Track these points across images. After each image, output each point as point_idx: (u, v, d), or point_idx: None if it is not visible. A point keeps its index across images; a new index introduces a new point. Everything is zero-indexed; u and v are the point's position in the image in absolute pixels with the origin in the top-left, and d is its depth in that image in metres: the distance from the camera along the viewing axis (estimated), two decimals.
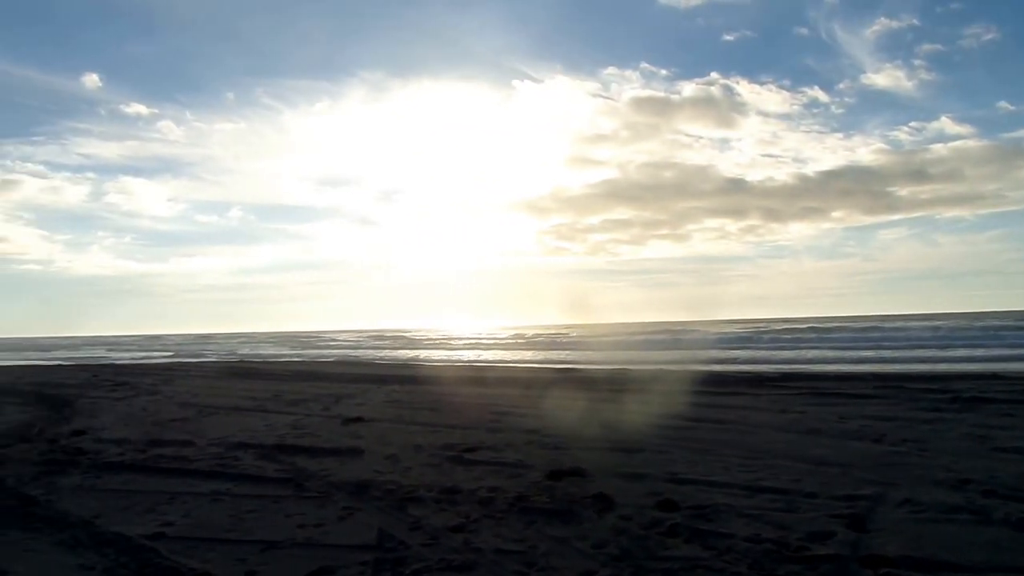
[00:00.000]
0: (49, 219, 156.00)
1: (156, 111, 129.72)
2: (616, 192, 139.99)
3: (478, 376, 20.02)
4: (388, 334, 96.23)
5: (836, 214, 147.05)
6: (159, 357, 48.77)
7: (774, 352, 33.97)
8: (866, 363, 24.94)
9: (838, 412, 10.45)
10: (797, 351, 34.14)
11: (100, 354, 57.78)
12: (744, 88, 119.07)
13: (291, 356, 45.06)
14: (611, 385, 15.41)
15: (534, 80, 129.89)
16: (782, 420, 9.83)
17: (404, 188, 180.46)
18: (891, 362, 24.84)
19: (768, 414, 10.46)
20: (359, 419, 10.73)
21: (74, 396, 15.54)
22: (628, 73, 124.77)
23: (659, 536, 4.84)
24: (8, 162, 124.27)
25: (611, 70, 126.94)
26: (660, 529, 4.95)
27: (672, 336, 55.05)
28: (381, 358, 39.81)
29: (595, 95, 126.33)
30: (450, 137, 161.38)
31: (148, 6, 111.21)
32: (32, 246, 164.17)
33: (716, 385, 14.89)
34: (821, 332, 50.53)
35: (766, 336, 49.95)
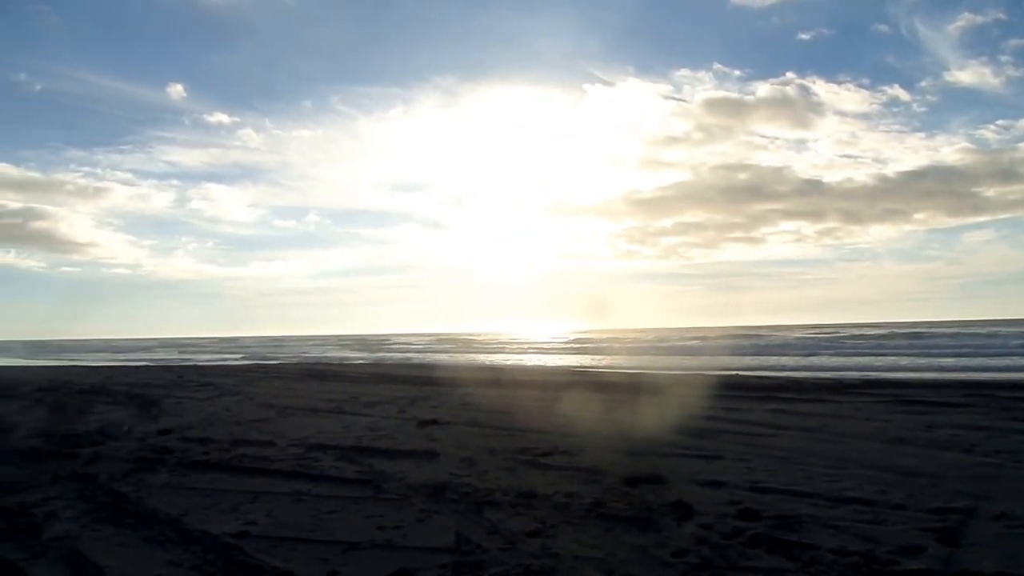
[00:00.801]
0: (136, 225, 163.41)
1: (237, 119, 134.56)
2: (689, 194, 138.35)
3: (550, 380, 19.98)
4: (460, 337, 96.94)
5: (919, 216, 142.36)
6: (239, 359, 50.22)
7: (855, 358, 32.95)
8: (953, 370, 23.98)
9: (925, 421, 10.07)
10: (879, 357, 33.03)
11: (183, 355, 59.81)
12: (821, 88, 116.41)
13: (366, 358, 45.84)
14: (685, 390, 15.18)
15: (605, 83, 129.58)
16: (866, 428, 9.52)
17: (475, 192, 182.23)
18: (980, 370, 23.82)
19: (851, 422, 10.14)
20: (434, 422, 10.83)
21: (160, 396, 16.12)
22: (701, 74, 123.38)
23: (740, 546, 4.74)
24: (99, 170, 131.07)
25: (683, 71, 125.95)
26: (741, 539, 4.84)
27: (747, 340, 54.02)
28: (454, 361, 40.13)
29: (667, 97, 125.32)
30: (521, 141, 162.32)
31: (230, 18, 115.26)
32: (120, 251, 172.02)
33: (795, 391, 14.53)
34: (904, 337, 48.89)
35: (846, 341, 48.55)
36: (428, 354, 51.64)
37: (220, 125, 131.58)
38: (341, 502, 6.21)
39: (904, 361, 29.75)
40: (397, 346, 71.98)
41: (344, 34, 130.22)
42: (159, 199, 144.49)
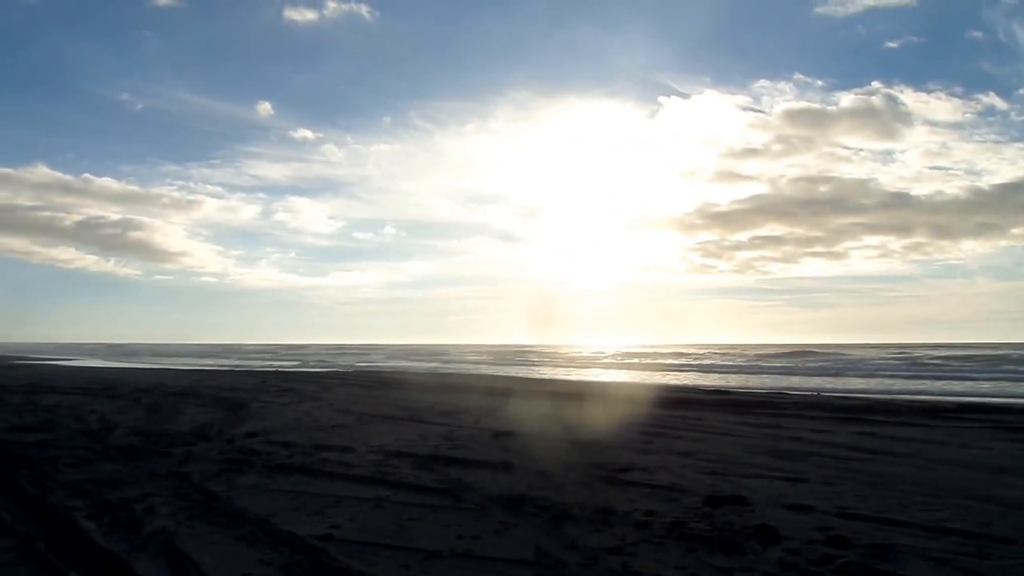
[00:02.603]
0: (224, 235, 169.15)
1: (320, 135, 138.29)
2: (766, 208, 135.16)
3: (626, 395, 19.77)
4: (534, 349, 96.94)
5: (1016, 231, 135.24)
6: (319, 365, 51.33)
7: (948, 380, 31.55)
8: None
9: None
10: (974, 380, 31.54)
11: (267, 361, 61.49)
12: (909, 97, 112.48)
13: (440, 368, 46.22)
14: (766, 409, 14.78)
15: (681, 95, 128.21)
16: (964, 456, 9.05)
17: (549, 205, 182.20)
18: None
19: (947, 448, 9.66)
20: (509, 433, 10.80)
21: (246, 400, 16.56)
22: (781, 85, 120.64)
23: (831, 574, 4.55)
24: (192, 184, 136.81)
25: (762, 82, 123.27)
26: (831, 567, 4.64)
27: (830, 359, 52.42)
28: (528, 373, 40.13)
29: (745, 108, 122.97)
30: (596, 153, 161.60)
31: (315, 39, 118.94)
32: (209, 260, 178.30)
33: (884, 414, 13.96)
34: (1000, 360, 46.59)
35: (937, 362, 46.57)
36: (502, 365, 51.76)
37: (304, 140, 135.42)
38: (421, 510, 6.24)
39: (1002, 385, 28.33)
40: (471, 357, 72.41)
41: (422, 50, 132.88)
42: (246, 211, 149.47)
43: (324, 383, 23.98)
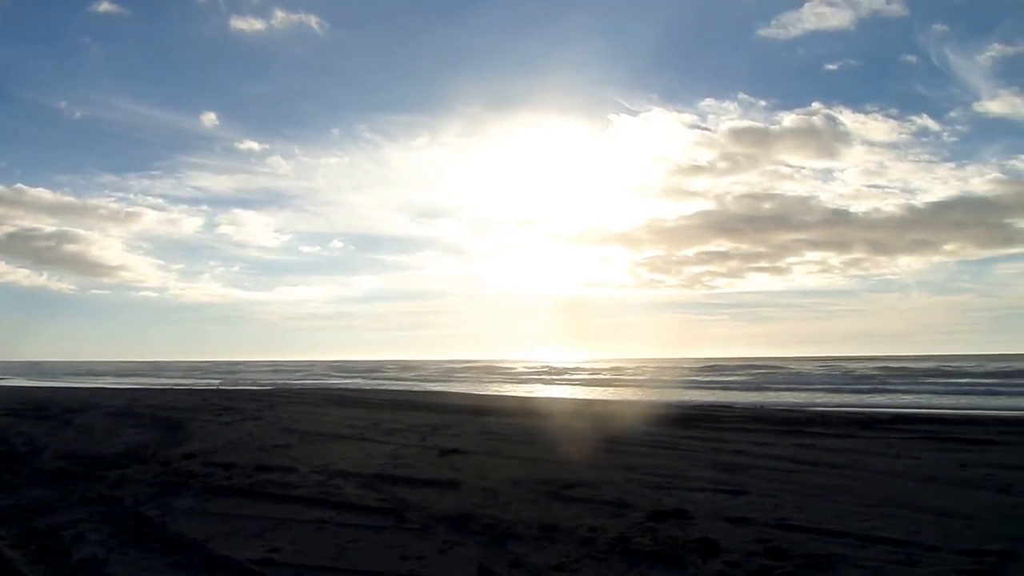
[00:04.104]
0: (165, 249, 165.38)
1: (267, 146, 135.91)
2: (713, 224, 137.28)
3: (573, 409, 19.87)
4: (483, 364, 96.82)
5: (948, 247, 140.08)
6: (262, 382, 50.45)
7: (883, 392, 32.43)
8: (987, 407, 23.50)
9: (959, 459, 9.83)
10: (909, 392, 32.48)
11: (206, 378, 60.20)
12: (848, 118, 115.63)
13: (388, 384, 45.86)
14: (710, 423, 15.01)
15: (630, 112, 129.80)
16: (897, 466, 9.32)
17: (499, 219, 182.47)
18: (1016, 408, 23.33)
19: (881, 459, 9.93)
20: (456, 451, 10.76)
21: (185, 419, 16.18)
22: (726, 104, 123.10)
23: None
24: (131, 195, 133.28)
25: (708, 101, 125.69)
26: None
27: (772, 372, 53.44)
28: (476, 388, 40.05)
29: (692, 126, 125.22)
30: (546, 169, 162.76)
31: (263, 49, 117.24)
32: (149, 274, 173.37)
33: (823, 426, 14.29)
34: (934, 372, 48.10)
35: (873, 375, 47.85)
36: (450, 381, 51.58)
37: (250, 152, 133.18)
38: (363, 531, 6.17)
39: (935, 396, 29.23)
40: (419, 372, 72.01)
41: (372, 63, 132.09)
42: (188, 224, 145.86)
43: (267, 401, 23.57)
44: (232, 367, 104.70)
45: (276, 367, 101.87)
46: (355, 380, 55.84)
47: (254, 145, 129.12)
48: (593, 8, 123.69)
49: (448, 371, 73.79)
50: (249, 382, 52.11)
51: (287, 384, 46.98)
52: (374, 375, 66.77)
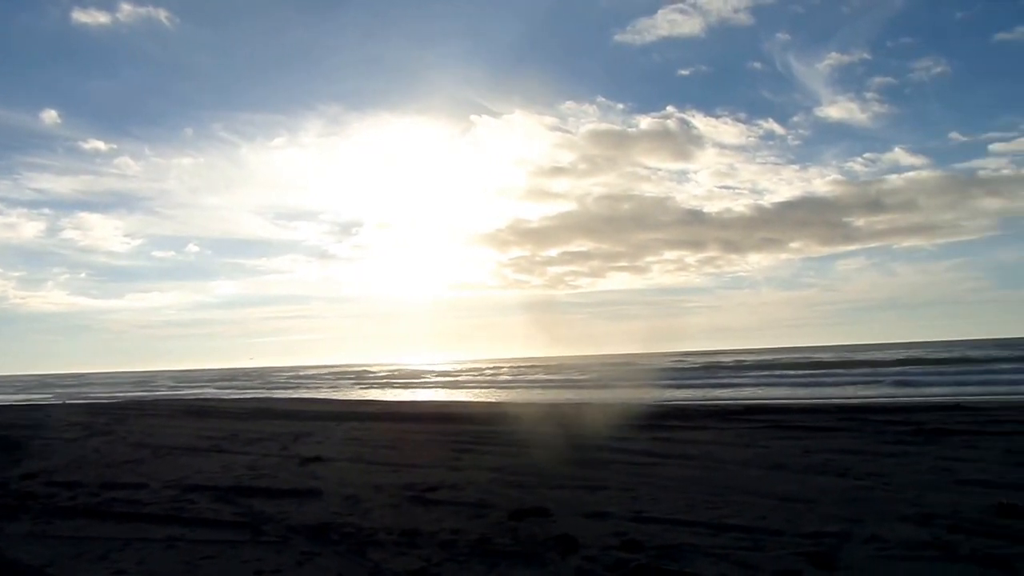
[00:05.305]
0: (2, 255, 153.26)
1: (114, 146, 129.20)
2: (575, 224, 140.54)
3: (439, 412, 19.82)
4: (347, 369, 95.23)
5: (794, 245, 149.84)
6: (113, 395, 47.65)
7: (736, 385, 34.12)
8: (830, 396, 25.15)
9: (803, 446, 10.47)
10: (760, 384, 34.34)
11: (53, 392, 56.26)
12: (700, 121, 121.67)
13: (249, 393, 44.29)
14: (574, 420, 15.31)
15: (492, 114, 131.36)
16: (747, 455, 9.81)
17: (363, 221, 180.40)
18: (855, 396, 25.07)
19: (732, 449, 10.44)
20: (317, 458, 10.50)
21: (26, 437, 15.00)
22: (586, 107, 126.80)
23: None
24: None
25: (569, 104, 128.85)
26: (624, 571, 4.86)
27: (633, 369, 55.19)
28: (340, 394, 39.31)
29: (553, 128, 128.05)
30: (408, 170, 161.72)
31: (108, 44, 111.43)
32: None
33: (679, 419, 14.88)
34: (781, 364, 51.03)
35: (728, 368, 50.27)
36: (314, 388, 50.40)
37: (96, 152, 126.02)
38: (217, 547, 5.90)
39: (783, 388, 31.02)
40: (281, 379, 70.01)
41: (227, 60, 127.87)
42: (28, 228, 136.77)
43: (118, 414, 22.25)
44: (80, 379, 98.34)
45: (128, 378, 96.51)
46: (215, 390, 53.64)
47: (100, 145, 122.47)
48: (454, 10, 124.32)
49: (312, 377, 72.08)
50: (98, 395, 49.05)
51: (139, 396, 44.55)
52: (234, 383, 64.33)
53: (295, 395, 39.28)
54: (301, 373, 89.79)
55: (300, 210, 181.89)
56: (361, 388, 48.11)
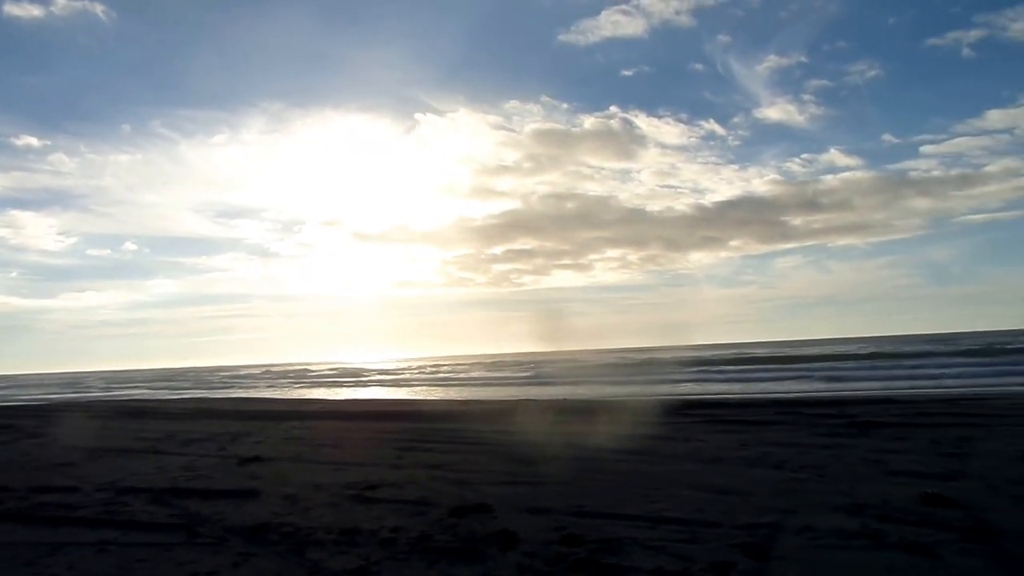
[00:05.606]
0: None
1: (48, 143, 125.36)
2: (519, 223, 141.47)
3: (381, 410, 19.68)
4: (289, 368, 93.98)
5: (734, 243, 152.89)
6: (45, 396, 46.18)
7: (675, 380, 34.63)
8: (766, 391, 25.70)
9: (740, 439, 10.69)
10: (697, 379, 34.92)
11: None
12: (643, 121, 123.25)
13: (187, 393, 43.36)
14: (515, 416, 15.36)
15: (437, 112, 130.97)
16: (685, 449, 9.98)
17: (306, 219, 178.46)
18: (790, 389, 25.67)
19: (672, 443, 10.59)
20: (256, 458, 10.35)
21: None
22: (530, 106, 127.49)
23: (563, 572, 4.79)
24: None
25: (513, 103, 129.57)
26: (564, 565, 4.90)
27: (574, 365, 55.58)
28: (281, 394, 38.77)
29: (497, 127, 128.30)
30: (353, 168, 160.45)
31: (42, 37, 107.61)
32: None
33: (620, 414, 15.03)
34: (720, 360, 51.96)
35: (667, 364, 50.95)
36: (255, 387, 49.60)
37: (28, 148, 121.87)
38: (151, 550, 5.77)
39: (723, 384, 31.60)
40: (222, 379, 68.70)
41: (166, 55, 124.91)
42: None
43: (48, 416, 21.54)
44: (8, 381, 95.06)
45: (62, 380, 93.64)
46: (152, 390, 52.39)
47: (32, 141, 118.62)
48: (399, 9, 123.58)
49: (254, 376, 70.93)
50: (29, 397, 47.47)
51: (74, 397, 43.25)
52: (172, 384, 62.89)
53: (235, 395, 38.59)
54: (242, 372, 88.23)
55: (242, 208, 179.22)
56: (303, 387, 47.50)
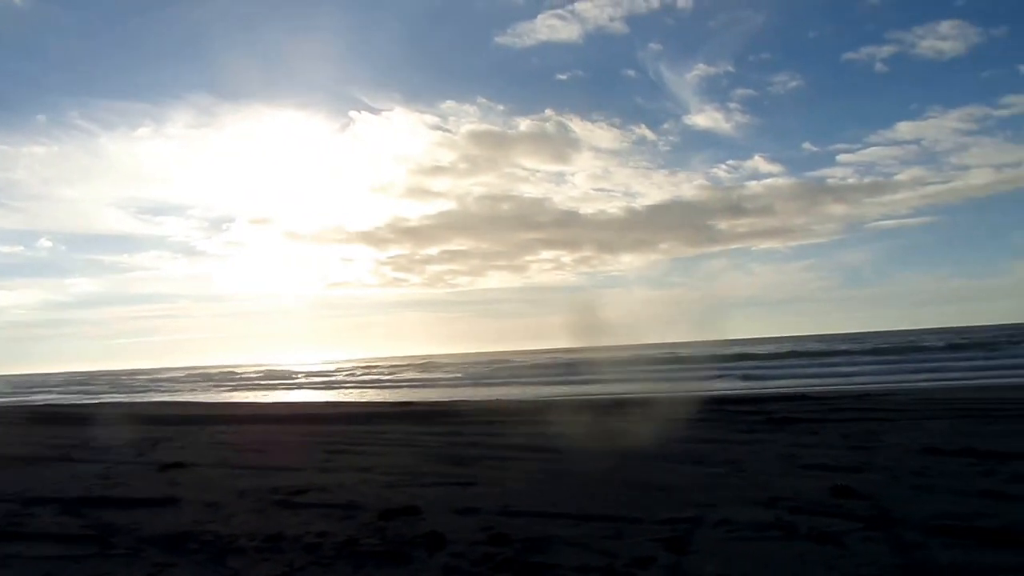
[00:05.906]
0: None
1: None
2: (454, 223, 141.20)
3: (310, 413, 19.39)
4: (215, 371, 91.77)
5: (663, 246, 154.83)
6: None
7: (603, 380, 35.03)
8: (690, 389, 26.23)
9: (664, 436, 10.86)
10: (623, 379, 35.39)
11: None
12: (577, 125, 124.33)
13: (104, 398, 41.86)
14: (448, 417, 15.34)
15: (372, 110, 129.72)
16: (611, 446, 10.09)
17: (235, 217, 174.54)
18: (714, 389, 26.27)
19: (598, 441, 10.70)
20: (178, 464, 10.05)
21: None
22: (466, 107, 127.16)
23: (490, 572, 4.79)
24: None
25: (449, 103, 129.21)
26: (491, 564, 4.90)
27: (505, 366, 55.81)
28: (207, 397, 37.80)
29: (434, 127, 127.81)
30: (284, 165, 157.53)
31: None
32: None
33: (549, 413, 15.13)
34: (645, 359, 52.76)
35: (596, 364, 51.48)
36: (178, 390, 48.24)
37: None
38: (60, 563, 5.53)
39: (651, 382, 32.09)
40: (142, 382, 66.61)
41: (85, 44, 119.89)
42: None
43: None
44: None
45: None
46: (67, 395, 50.42)
47: None
48: (334, 3, 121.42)
49: (177, 379, 68.94)
50: None
51: None
52: (89, 387, 60.65)
53: (157, 399, 37.46)
54: (166, 375, 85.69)
55: (166, 204, 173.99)
56: (230, 390, 46.42)
